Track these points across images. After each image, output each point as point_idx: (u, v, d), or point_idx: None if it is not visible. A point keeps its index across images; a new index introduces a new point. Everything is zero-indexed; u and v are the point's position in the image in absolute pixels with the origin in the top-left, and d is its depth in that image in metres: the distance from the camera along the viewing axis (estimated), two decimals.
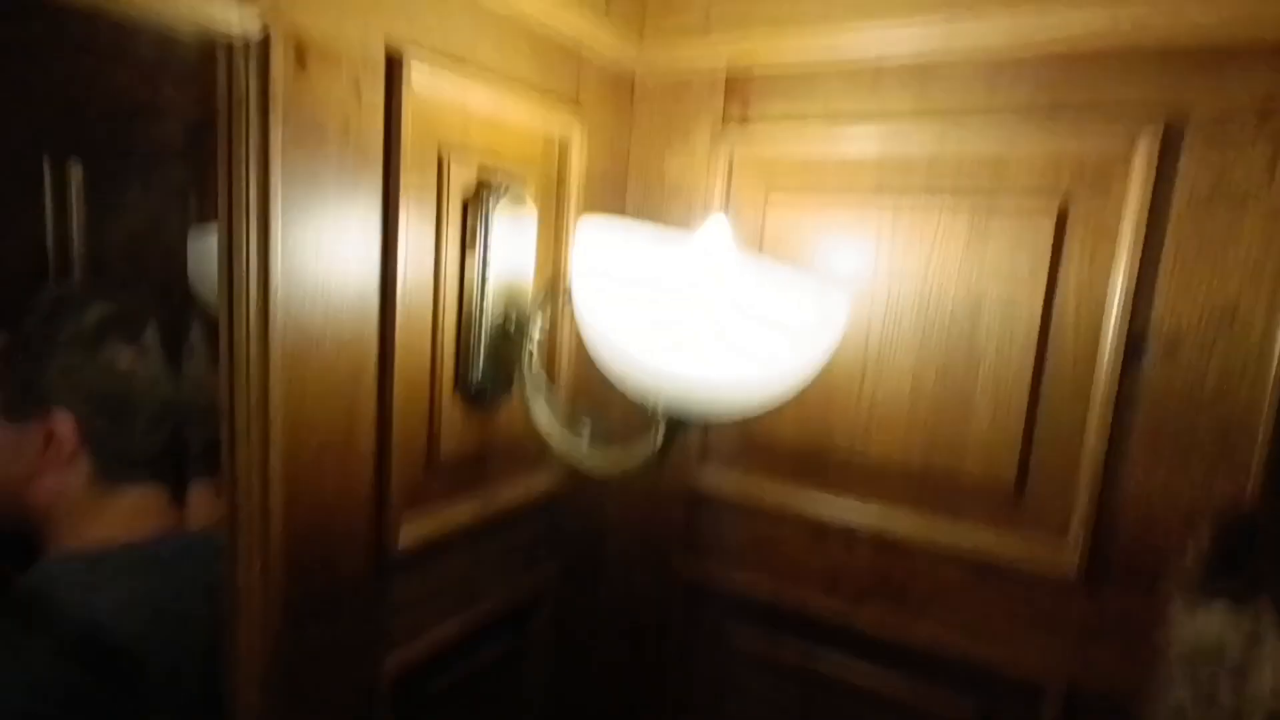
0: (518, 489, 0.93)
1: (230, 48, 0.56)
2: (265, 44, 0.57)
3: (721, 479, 1.00)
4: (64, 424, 0.95)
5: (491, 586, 0.91)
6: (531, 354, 0.81)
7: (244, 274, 0.60)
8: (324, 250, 0.65)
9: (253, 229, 0.60)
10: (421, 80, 0.70)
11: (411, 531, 0.77)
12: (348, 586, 0.72)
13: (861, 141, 0.89)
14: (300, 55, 0.60)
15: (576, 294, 0.70)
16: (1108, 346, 0.77)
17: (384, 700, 0.77)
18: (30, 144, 1.74)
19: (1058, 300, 0.80)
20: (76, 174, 1.72)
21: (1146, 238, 0.75)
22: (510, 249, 0.82)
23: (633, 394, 0.70)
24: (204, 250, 1.13)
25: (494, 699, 0.96)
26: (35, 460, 0.95)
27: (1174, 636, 0.51)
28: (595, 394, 0.97)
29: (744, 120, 0.96)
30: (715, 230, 0.72)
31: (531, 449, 0.95)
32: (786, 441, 0.96)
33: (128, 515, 0.97)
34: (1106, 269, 0.77)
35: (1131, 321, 0.77)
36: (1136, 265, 0.76)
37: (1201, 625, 0.50)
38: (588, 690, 1.10)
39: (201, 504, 0.95)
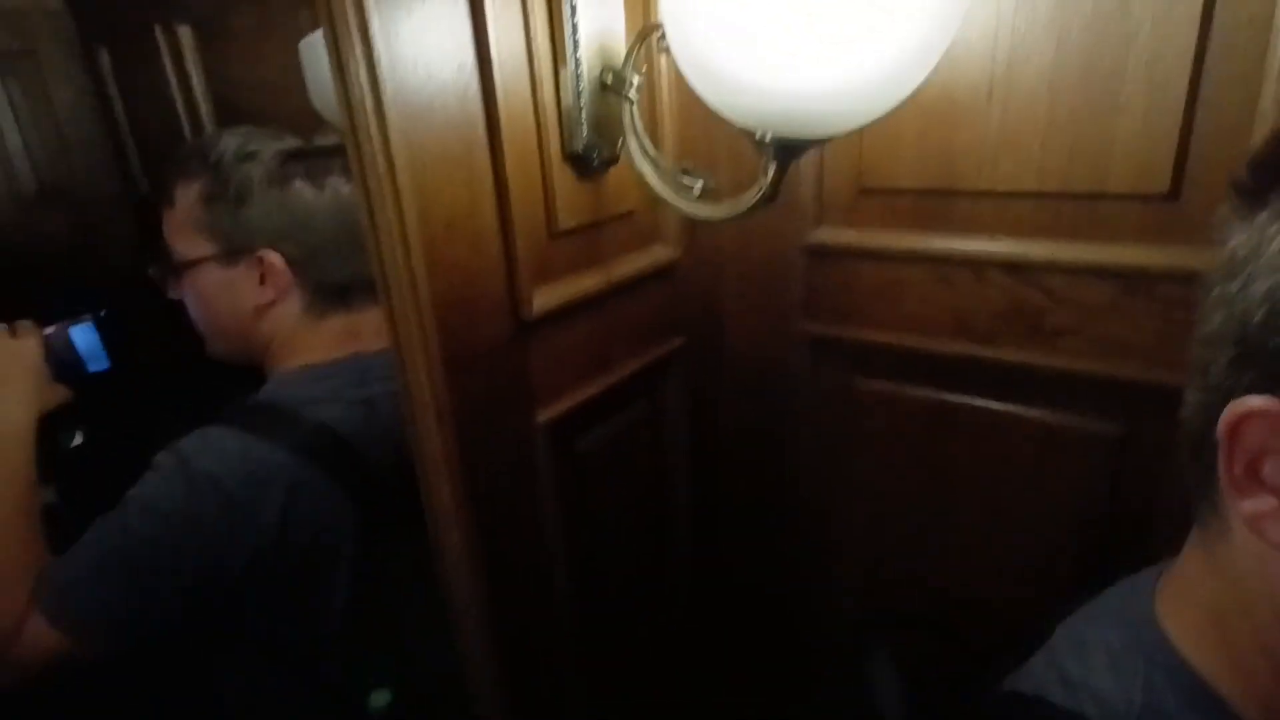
0: (637, 260, 0.95)
1: None
2: None
3: (838, 234, 0.97)
4: (274, 260, 1.06)
5: (622, 353, 0.97)
6: (632, 108, 0.79)
7: (354, 67, 0.62)
8: (418, 31, 0.65)
9: (352, 21, 0.61)
10: None
11: (541, 299, 0.82)
12: (492, 346, 0.78)
13: None
14: None
15: (668, 25, 0.67)
16: None
17: (540, 448, 0.86)
18: (140, 15, 1.82)
19: None
20: (187, 36, 1.80)
21: None
22: (597, 3, 0.79)
23: (739, 125, 0.68)
24: (313, 61, 1.16)
25: (634, 458, 1.05)
26: (255, 296, 1.07)
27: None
28: (701, 150, 0.96)
29: None
30: None
31: (646, 220, 0.96)
32: (905, 184, 0.91)
33: (332, 338, 1.10)
34: None
35: None
36: None
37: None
38: (721, 449, 1.17)
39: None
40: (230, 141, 1.05)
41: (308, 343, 1.08)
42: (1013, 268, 0.87)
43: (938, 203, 0.90)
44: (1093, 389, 0.87)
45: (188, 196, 1.05)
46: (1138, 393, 0.84)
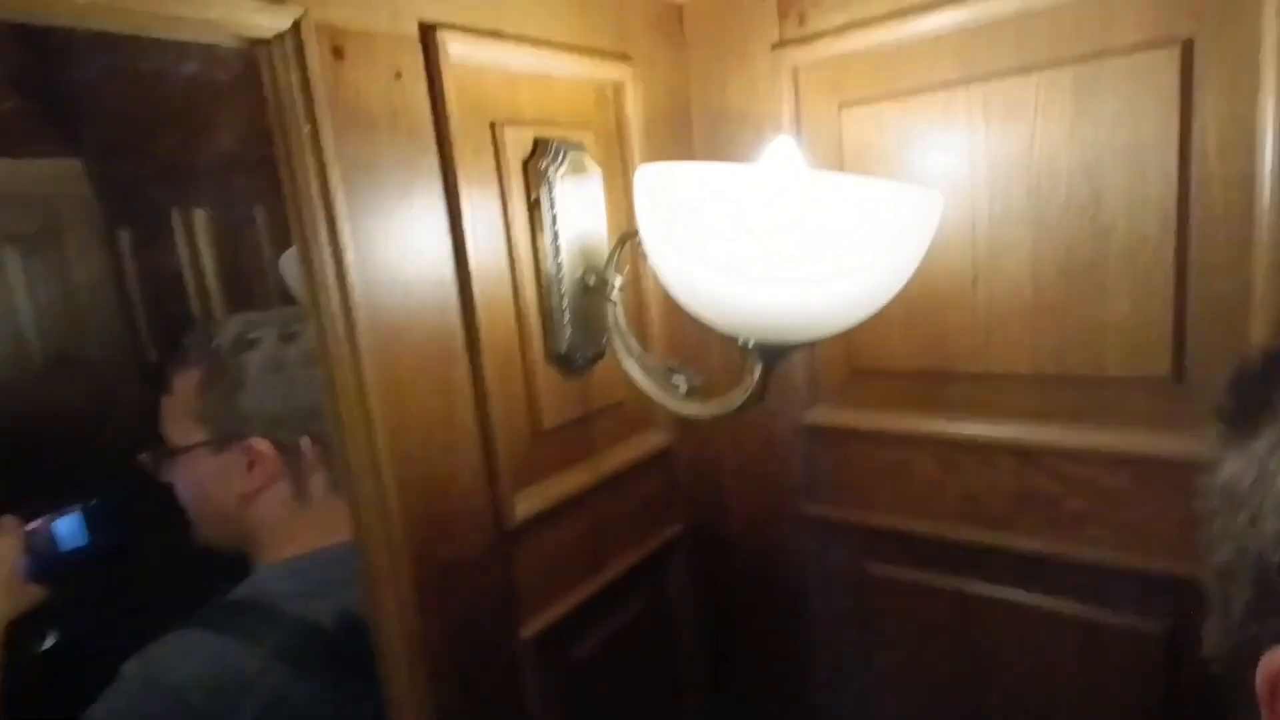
0: (628, 449, 0.92)
1: (269, 50, 0.57)
2: (299, 41, 0.57)
3: (835, 414, 0.95)
4: (264, 448, 1.04)
5: (616, 548, 0.92)
6: (616, 310, 0.79)
7: (322, 271, 0.62)
8: (393, 237, 0.66)
9: (321, 225, 0.61)
10: (460, 54, 0.70)
11: (526, 503, 0.78)
12: (472, 561, 0.73)
13: (934, 28, 0.80)
14: (336, 48, 0.61)
15: (646, 243, 0.67)
16: (1266, 189, 0.66)
17: (528, 667, 0.79)
18: (160, 198, 1.92)
19: (1195, 144, 0.69)
20: (200, 218, 1.89)
21: None
22: (579, 207, 0.81)
23: (721, 333, 0.67)
24: (293, 272, 1.19)
25: (638, 658, 0.97)
26: (242, 484, 1.04)
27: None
28: (689, 341, 0.95)
29: (802, 30, 0.89)
30: (779, 152, 0.68)
31: (635, 408, 0.94)
32: (898, 366, 0.90)
33: (319, 526, 1.05)
34: (1253, 98, 0.66)
35: None
36: None
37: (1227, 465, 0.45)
38: (733, 641, 1.08)
39: None
40: (232, 329, 1.06)
41: (294, 532, 1.04)
42: (1020, 452, 0.83)
43: (934, 384, 0.88)
44: (1127, 582, 0.80)
45: (186, 385, 1.05)
46: (1175, 587, 0.77)
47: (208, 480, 1.07)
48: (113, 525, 1.32)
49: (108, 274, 2.25)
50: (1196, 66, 0.68)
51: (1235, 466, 0.44)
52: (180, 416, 1.08)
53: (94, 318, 2.26)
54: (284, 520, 1.06)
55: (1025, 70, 0.76)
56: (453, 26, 0.69)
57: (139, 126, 1.90)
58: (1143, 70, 0.70)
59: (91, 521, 1.29)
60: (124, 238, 2.17)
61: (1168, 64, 0.69)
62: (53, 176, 2.20)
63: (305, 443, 1.05)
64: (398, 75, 0.66)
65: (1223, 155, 0.68)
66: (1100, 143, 0.74)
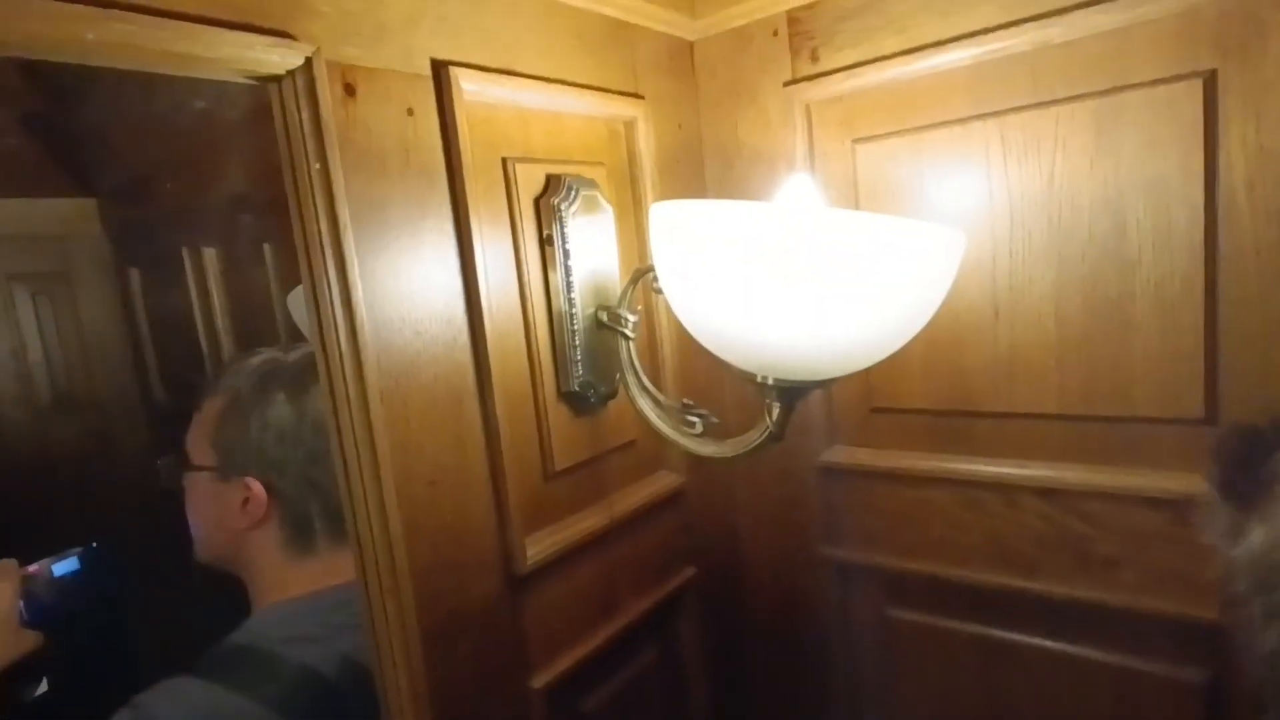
0: (642, 490, 0.89)
1: (279, 87, 0.57)
2: (310, 78, 0.57)
3: (853, 454, 0.92)
4: (258, 490, 1.03)
5: (629, 594, 0.88)
6: (629, 346, 0.77)
7: (329, 312, 0.60)
8: (403, 276, 0.64)
9: (330, 264, 0.60)
10: (473, 93, 0.69)
11: (537, 547, 0.75)
12: (481, 610, 0.71)
13: (949, 63, 0.79)
14: (348, 86, 0.60)
15: (662, 280, 0.66)
16: None
17: (540, 717, 0.76)
18: (170, 239, 1.93)
19: (1222, 177, 0.68)
20: (211, 257, 1.89)
21: None
22: (591, 244, 0.80)
23: (739, 371, 0.65)
24: (299, 310, 1.18)
25: (651, 708, 0.93)
26: (235, 519, 1.03)
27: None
28: (704, 378, 0.93)
29: (815, 66, 0.88)
30: (795, 190, 0.67)
31: (648, 447, 0.92)
32: (918, 404, 0.87)
33: (313, 575, 1.03)
34: (1267, 136, 0.64)
35: None
36: None
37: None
38: (749, 691, 1.04)
39: None
40: (251, 368, 1.06)
41: (291, 575, 1.02)
42: (1047, 493, 0.80)
43: (956, 424, 0.85)
44: (1164, 629, 0.77)
45: (211, 409, 1.06)
46: (1214, 635, 0.73)
47: (208, 503, 1.07)
48: (111, 570, 1.30)
49: (116, 314, 2.25)
50: (1221, 99, 0.67)
51: (1261, 540, 0.42)
52: (200, 437, 1.10)
53: (102, 357, 2.26)
54: (278, 564, 1.04)
55: (1043, 104, 0.75)
56: (465, 65, 0.69)
57: (150, 165, 1.92)
58: (1164, 103, 0.69)
59: (90, 566, 1.26)
60: (134, 277, 2.18)
61: (1190, 97, 0.68)
62: (64, 216, 2.21)
63: (303, 489, 1.04)
64: (410, 112, 0.65)
65: (1250, 188, 0.67)
66: (1123, 176, 0.72)
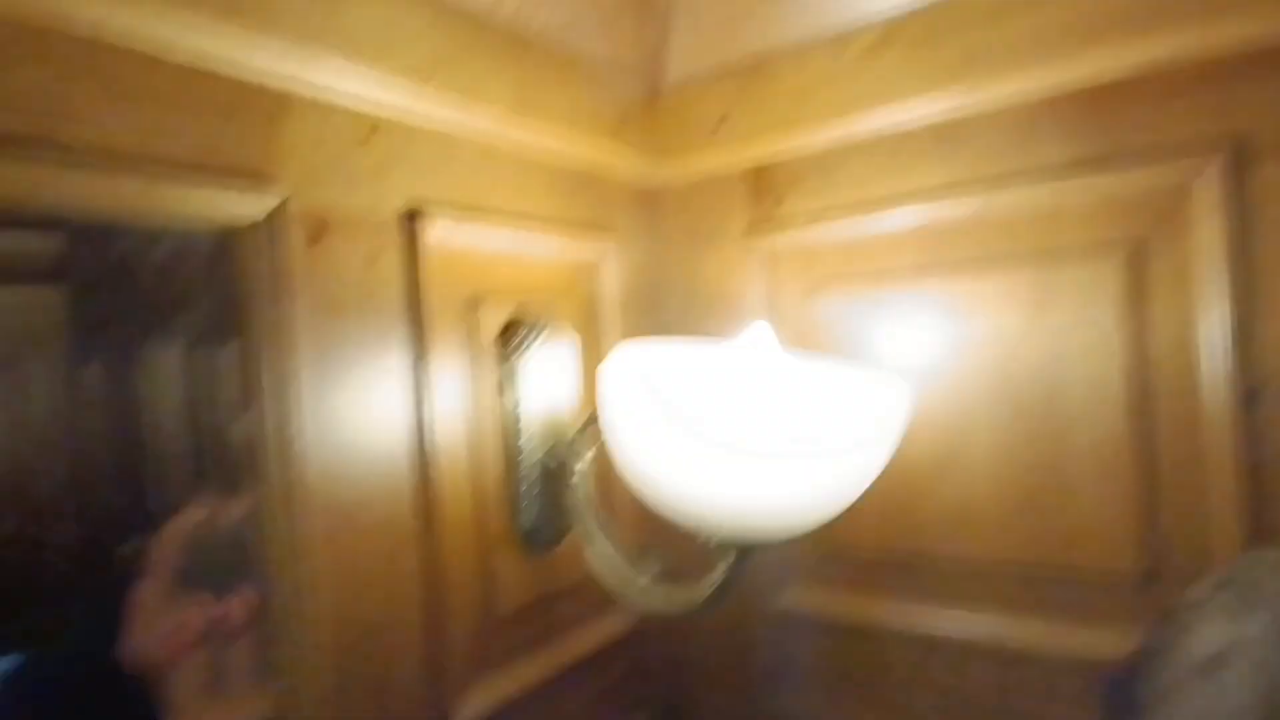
0: (591, 634, 0.86)
1: (240, 238, 0.58)
2: (276, 226, 0.58)
3: (806, 600, 0.91)
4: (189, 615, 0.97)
5: None
6: (580, 490, 0.77)
7: (270, 454, 0.60)
8: (356, 420, 0.64)
9: (279, 399, 0.60)
10: (441, 235, 0.71)
11: (479, 695, 0.72)
12: None
13: (900, 223, 0.84)
14: (314, 231, 0.62)
15: (609, 433, 0.66)
16: (1220, 392, 0.67)
17: None
18: (131, 336, 1.90)
19: (1152, 339, 0.71)
20: (170, 360, 1.86)
21: (1234, 272, 0.67)
22: (550, 384, 0.80)
23: (686, 527, 0.65)
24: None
25: None
26: (161, 642, 0.96)
27: None
28: (658, 524, 0.91)
29: (775, 218, 0.93)
30: (755, 338, 0.68)
31: (598, 588, 0.89)
32: (870, 552, 0.87)
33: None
34: (1192, 308, 0.69)
35: (1240, 358, 0.67)
36: (1228, 300, 0.67)
37: None
38: None
39: None
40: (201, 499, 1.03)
41: (210, 713, 0.95)
42: (996, 652, 0.79)
43: (907, 569, 0.85)
44: None
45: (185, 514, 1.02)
46: None
47: (147, 612, 1.01)
48: (35, 691, 1.20)
49: (66, 410, 2.18)
50: (1150, 265, 0.71)
51: None
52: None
53: (46, 455, 2.17)
54: (199, 699, 0.98)
55: (985, 265, 0.79)
56: (437, 206, 0.71)
57: (118, 263, 1.91)
58: (1096, 269, 0.74)
59: (9, 686, 1.17)
60: (89, 373, 2.13)
61: (1116, 268, 0.72)
62: (21, 305, 2.18)
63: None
64: (375, 257, 0.67)
65: (1174, 357, 0.70)
66: (1058, 340, 0.76)
